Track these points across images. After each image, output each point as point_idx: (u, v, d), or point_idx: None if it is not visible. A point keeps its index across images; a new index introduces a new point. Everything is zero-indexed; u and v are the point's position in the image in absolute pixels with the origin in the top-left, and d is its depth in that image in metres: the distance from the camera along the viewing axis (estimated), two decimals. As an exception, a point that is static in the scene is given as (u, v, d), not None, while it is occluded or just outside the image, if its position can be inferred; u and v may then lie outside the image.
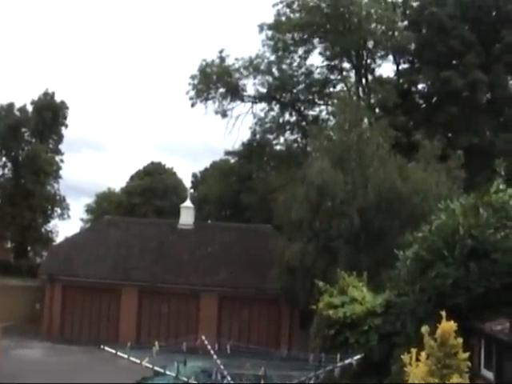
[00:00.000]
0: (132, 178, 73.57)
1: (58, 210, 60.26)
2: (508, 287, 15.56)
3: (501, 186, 17.13)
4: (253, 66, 51.71)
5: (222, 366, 21.08)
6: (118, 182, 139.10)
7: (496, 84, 47.18)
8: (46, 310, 42.27)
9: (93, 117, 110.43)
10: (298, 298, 34.67)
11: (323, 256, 33.40)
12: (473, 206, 16.84)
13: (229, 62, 52.02)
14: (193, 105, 51.74)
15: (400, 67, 52.91)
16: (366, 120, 41.67)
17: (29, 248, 59.83)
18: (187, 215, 47.13)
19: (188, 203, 48.45)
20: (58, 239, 57.55)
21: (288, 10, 51.28)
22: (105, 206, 73.60)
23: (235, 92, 52.20)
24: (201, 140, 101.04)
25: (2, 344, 30.41)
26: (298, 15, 50.86)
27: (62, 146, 60.14)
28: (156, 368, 20.47)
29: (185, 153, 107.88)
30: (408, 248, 18.61)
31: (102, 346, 20.74)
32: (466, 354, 12.60)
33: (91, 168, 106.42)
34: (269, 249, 39.55)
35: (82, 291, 41.97)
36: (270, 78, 52.11)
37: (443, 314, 12.54)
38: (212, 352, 22.04)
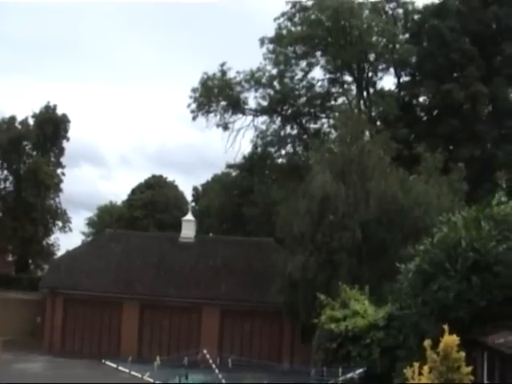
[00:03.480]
0: (133, 191, 73.59)
1: (60, 224, 60.17)
2: (510, 300, 15.50)
3: (502, 199, 17.10)
4: (254, 79, 51.76)
5: (223, 380, 21.02)
6: (118, 195, 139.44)
7: (497, 96, 47.21)
8: (47, 324, 42.15)
9: (92, 130, 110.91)
10: (299, 311, 34.55)
11: (325, 269, 33.32)
12: (474, 218, 16.81)
13: (230, 75, 52.11)
14: (194, 118, 51.80)
15: (401, 80, 52.98)
16: (367, 133, 41.66)
17: (30, 261, 59.75)
18: (188, 228, 47.07)
19: (189, 216, 48.42)
20: (60, 252, 57.52)
21: (289, 24, 51.41)
22: (106, 220, 73.61)
23: (237, 105, 52.23)
24: (202, 153, 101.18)
25: (2, 358, 30.31)
26: (299, 29, 50.95)
27: (62, 160, 60.19)
28: (157, 382, 20.39)
29: (186, 166, 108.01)
30: (410, 261, 18.57)
31: (103, 360, 20.67)
32: (469, 368, 12.52)
33: (91, 181, 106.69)
34: (271, 262, 39.48)
35: (84, 305, 41.87)
36: (271, 91, 52.15)
37: (446, 327, 12.47)
38: (213, 366, 21.96)
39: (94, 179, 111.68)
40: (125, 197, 75.30)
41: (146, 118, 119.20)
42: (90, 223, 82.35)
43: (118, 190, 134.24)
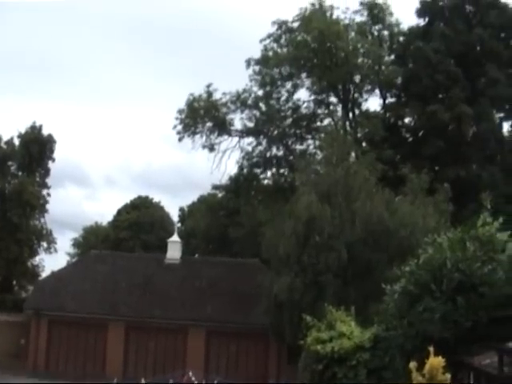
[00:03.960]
0: (119, 211, 73.44)
1: (45, 244, 59.82)
2: (496, 321, 15.51)
3: (487, 219, 17.13)
4: (240, 101, 51.83)
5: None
6: (103, 215, 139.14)
7: (481, 117, 47.48)
8: (31, 346, 41.88)
9: (77, 150, 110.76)
10: (285, 332, 34.47)
11: (311, 290, 33.30)
12: (460, 239, 16.82)
13: (216, 96, 52.09)
14: (180, 139, 51.68)
15: (387, 101, 53.18)
16: (353, 154, 41.80)
17: (14, 282, 59.28)
18: (174, 250, 46.99)
19: (175, 237, 48.35)
20: (44, 273, 57.17)
21: (275, 45, 51.57)
22: (92, 240, 73.35)
23: (222, 126, 52.23)
24: (188, 174, 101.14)
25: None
26: (285, 50, 51.13)
27: (47, 180, 59.96)
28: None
29: (172, 187, 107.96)
30: (396, 282, 18.55)
31: (88, 382, 20.55)
32: (455, 390, 12.50)
33: (76, 202, 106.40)
34: (256, 283, 39.42)
35: (69, 326, 41.66)
36: (257, 113, 52.21)
37: (431, 349, 12.44)
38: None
39: (79, 200, 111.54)
40: (110, 217, 75.23)
41: (131, 139, 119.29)
42: (76, 244, 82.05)
43: (103, 211, 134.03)
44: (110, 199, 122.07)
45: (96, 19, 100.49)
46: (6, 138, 57.01)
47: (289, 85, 52.04)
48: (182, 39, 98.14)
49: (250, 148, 53.48)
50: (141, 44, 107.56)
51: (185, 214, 76.52)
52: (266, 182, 56.18)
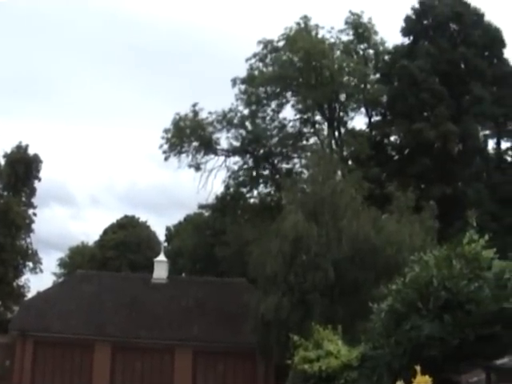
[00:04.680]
0: (105, 231, 73.25)
1: (30, 264, 59.52)
2: (483, 338, 15.49)
3: (473, 237, 17.15)
4: (226, 120, 51.90)
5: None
6: (89, 235, 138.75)
7: (467, 135, 47.76)
8: (16, 367, 41.46)
9: (62, 169, 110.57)
10: (273, 351, 34.36)
11: (298, 309, 33.21)
12: (446, 257, 16.81)
13: (202, 115, 52.16)
14: (166, 158, 51.64)
15: (372, 119, 53.42)
16: (339, 172, 41.84)
17: (-1, 303, 58.98)
18: (161, 269, 46.79)
19: (162, 257, 48.19)
20: (30, 294, 56.82)
21: (261, 64, 51.82)
22: (78, 260, 73.08)
23: (209, 146, 52.23)
24: (174, 193, 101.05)
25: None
26: (270, 69, 51.33)
27: (33, 200, 59.73)
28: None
29: (158, 206, 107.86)
30: (382, 300, 18.52)
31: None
32: (443, 408, 12.46)
33: (62, 221, 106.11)
34: (243, 302, 39.25)
35: (54, 347, 41.30)
36: (243, 132, 52.30)
37: (418, 367, 12.41)
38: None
39: (64, 219, 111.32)
40: (96, 237, 75.13)
41: (116, 158, 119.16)
42: (62, 264, 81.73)
43: (88, 230, 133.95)
44: (95, 219, 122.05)
45: (82, 40, 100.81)
46: (-9, 158, 56.91)
47: (274, 104, 52.26)
48: (167, 58, 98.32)
49: (236, 167, 53.62)
50: (126, 64, 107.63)
51: (171, 234, 76.41)
52: (252, 201, 56.20)
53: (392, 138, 52.87)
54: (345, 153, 50.65)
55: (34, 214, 59.38)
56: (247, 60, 51.30)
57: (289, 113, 52.79)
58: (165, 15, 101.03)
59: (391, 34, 69.31)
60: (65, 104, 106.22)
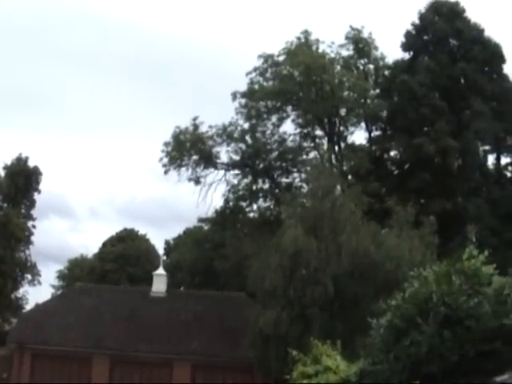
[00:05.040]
0: (104, 244, 73.21)
1: (29, 277, 59.43)
2: (482, 354, 15.44)
3: (473, 252, 17.13)
4: (226, 134, 51.91)
5: None
6: (88, 248, 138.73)
7: (466, 150, 47.78)
8: (13, 379, 41.33)
9: (61, 182, 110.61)
10: (271, 366, 34.22)
11: (297, 324, 33.13)
12: (445, 273, 16.76)
13: (202, 129, 52.16)
14: (166, 172, 51.60)
15: (372, 134, 53.43)
16: (338, 187, 41.83)
17: (-3, 315, 58.82)
18: (160, 283, 46.74)
19: (161, 270, 48.13)
20: (28, 306, 56.75)
21: (261, 79, 51.85)
22: (77, 273, 72.98)
23: (208, 159, 52.23)
24: (174, 207, 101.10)
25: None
26: (271, 83, 51.39)
27: (33, 212, 59.71)
28: None
29: (157, 219, 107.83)
30: (382, 316, 18.47)
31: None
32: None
33: (61, 234, 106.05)
34: (242, 316, 39.16)
35: (52, 360, 41.18)
36: (243, 146, 52.29)
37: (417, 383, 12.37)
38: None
39: (63, 232, 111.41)
40: (95, 249, 75.15)
41: (115, 171, 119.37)
42: (61, 276, 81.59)
43: (87, 243, 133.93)
44: (94, 231, 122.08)
45: (83, 52, 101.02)
46: (-10, 170, 56.93)
47: (274, 118, 52.27)
48: (168, 72, 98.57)
49: (235, 181, 53.60)
50: (126, 76, 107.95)
51: (170, 247, 76.41)
52: (251, 215, 56.12)
53: (392, 153, 52.92)
54: (345, 167, 50.68)
55: (34, 226, 59.40)
56: (247, 74, 51.42)
57: (289, 127, 52.87)
58: (166, 28, 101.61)
59: (391, 50, 69.69)
60: (65, 116, 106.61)
